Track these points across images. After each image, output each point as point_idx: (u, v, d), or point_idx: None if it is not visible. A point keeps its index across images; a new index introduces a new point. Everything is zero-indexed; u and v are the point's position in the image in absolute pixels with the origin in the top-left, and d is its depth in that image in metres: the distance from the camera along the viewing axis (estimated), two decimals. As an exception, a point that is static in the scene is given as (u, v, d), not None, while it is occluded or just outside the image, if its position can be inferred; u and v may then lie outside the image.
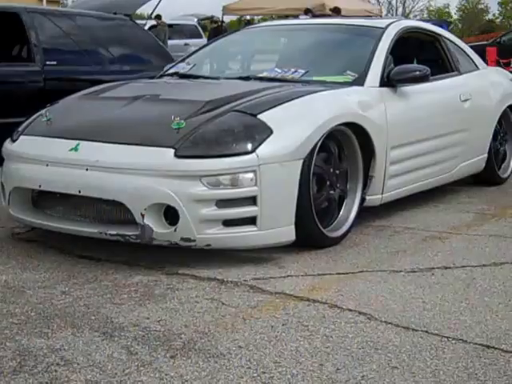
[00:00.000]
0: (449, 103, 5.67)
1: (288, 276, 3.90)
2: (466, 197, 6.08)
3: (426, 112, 5.30)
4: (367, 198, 4.83)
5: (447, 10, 61.68)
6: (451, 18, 64.91)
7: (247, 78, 5.07)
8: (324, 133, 4.25)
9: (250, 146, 3.93)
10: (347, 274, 3.94)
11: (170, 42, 18.90)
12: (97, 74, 7.33)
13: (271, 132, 4.01)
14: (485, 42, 23.52)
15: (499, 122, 6.55)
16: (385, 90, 4.96)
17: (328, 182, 4.43)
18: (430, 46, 6.12)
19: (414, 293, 3.64)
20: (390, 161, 4.90)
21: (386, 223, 5.09)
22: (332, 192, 4.47)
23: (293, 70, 5.05)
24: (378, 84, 4.94)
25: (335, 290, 3.66)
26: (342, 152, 4.60)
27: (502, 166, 6.75)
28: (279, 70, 5.09)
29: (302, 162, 4.10)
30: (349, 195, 4.67)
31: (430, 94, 5.47)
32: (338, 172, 4.51)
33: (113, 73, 7.43)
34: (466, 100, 5.86)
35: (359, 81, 4.90)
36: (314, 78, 5.00)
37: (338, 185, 4.53)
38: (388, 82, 5.00)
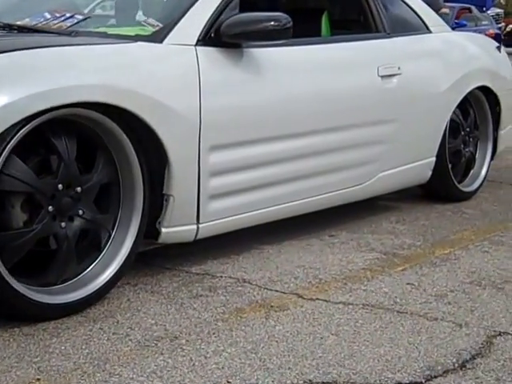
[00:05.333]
0: (353, 79, 3.65)
1: None
2: (393, 221, 4.07)
3: (298, 90, 3.31)
4: (164, 230, 2.90)
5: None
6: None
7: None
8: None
9: None
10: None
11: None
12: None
13: None
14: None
15: (464, 111, 4.51)
16: (209, 51, 2.99)
17: (49, 208, 2.50)
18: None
19: None
20: (211, 170, 2.95)
21: (217, 269, 3.15)
22: (63, 224, 2.55)
23: (68, 15, 3.12)
24: (193, 41, 2.96)
25: None
26: (101, 154, 2.68)
27: (469, 175, 4.70)
28: (49, 16, 3.16)
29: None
30: (119, 229, 2.75)
31: (313, 63, 3.47)
32: (79, 190, 2.58)
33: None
34: (389, 76, 3.83)
35: (159, 35, 2.94)
36: (92, 29, 3.07)
37: (82, 212, 2.61)
38: (217, 38, 3.02)
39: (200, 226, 3.00)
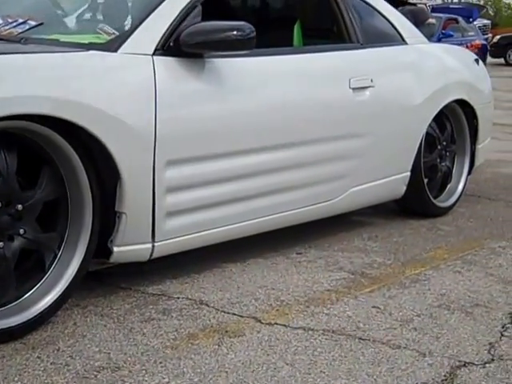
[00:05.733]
0: (323, 91, 3.52)
1: None
2: (365, 238, 3.93)
3: (263, 102, 3.18)
4: (116, 249, 2.75)
5: (506, -1, 57.79)
6: (511, 8, 61.03)
7: None
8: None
9: None
10: None
11: None
12: None
13: None
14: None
15: (440, 124, 4.39)
16: (167, 61, 2.84)
17: None
18: (314, 1, 3.96)
19: None
20: (167, 186, 2.81)
21: (175, 289, 3.00)
22: (1, 244, 2.39)
23: (20, 21, 2.97)
24: (150, 50, 2.81)
25: None
26: (46, 169, 2.52)
27: (446, 190, 4.57)
28: (0, 21, 3.02)
29: None
30: (66, 248, 2.59)
31: (281, 74, 3.33)
32: (20, 207, 2.42)
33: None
34: (361, 88, 3.70)
35: (114, 43, 2.80)
36: (44, 36, 2.92)
37: (23, 230, 2.44)
38: (176, 48, 2.88)
39: (156, 244, 2.85)
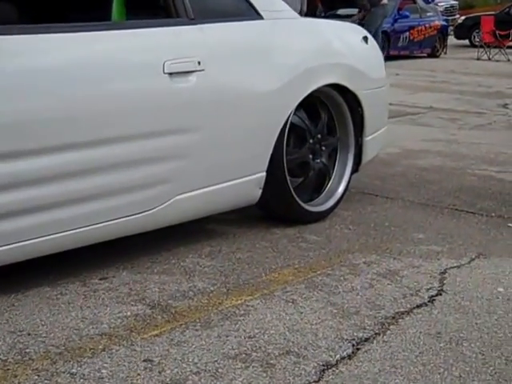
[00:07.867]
0: (124, 77, 2.78)
1: None
2: (203, 254, 3.24)
3: (32, 91, 2.47)
4: None
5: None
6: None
7: None
8: None
9: None
10: None
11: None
12: None
13: None
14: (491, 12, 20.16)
15: (312, 114, 3.69)
16: None
17: None
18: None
19: None
20: None
21: None
22: None
23: None
24: None
25: None
26: None
27: (324, 192, 3.87)
28: None
29: None
30: None
31: (63, 56, 2.61)
32: None
33: None
34: (183, 73, 2.97)
35: None
36: None
37: None
38: None
39: None
